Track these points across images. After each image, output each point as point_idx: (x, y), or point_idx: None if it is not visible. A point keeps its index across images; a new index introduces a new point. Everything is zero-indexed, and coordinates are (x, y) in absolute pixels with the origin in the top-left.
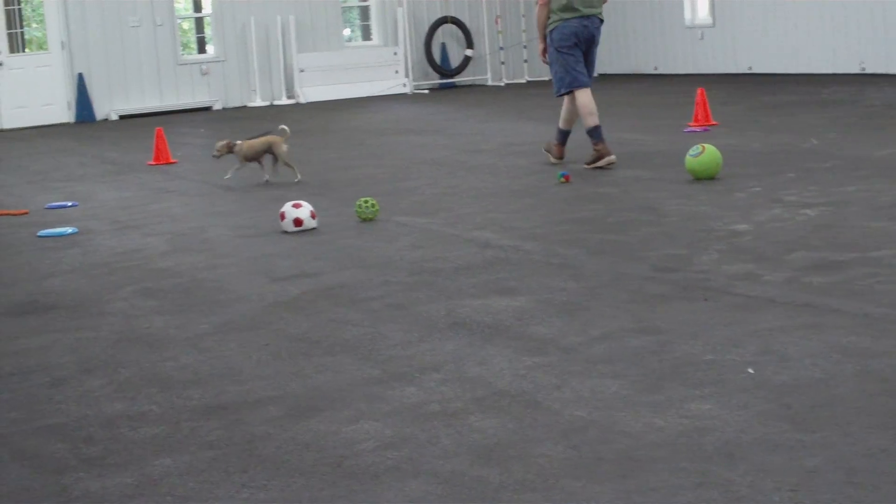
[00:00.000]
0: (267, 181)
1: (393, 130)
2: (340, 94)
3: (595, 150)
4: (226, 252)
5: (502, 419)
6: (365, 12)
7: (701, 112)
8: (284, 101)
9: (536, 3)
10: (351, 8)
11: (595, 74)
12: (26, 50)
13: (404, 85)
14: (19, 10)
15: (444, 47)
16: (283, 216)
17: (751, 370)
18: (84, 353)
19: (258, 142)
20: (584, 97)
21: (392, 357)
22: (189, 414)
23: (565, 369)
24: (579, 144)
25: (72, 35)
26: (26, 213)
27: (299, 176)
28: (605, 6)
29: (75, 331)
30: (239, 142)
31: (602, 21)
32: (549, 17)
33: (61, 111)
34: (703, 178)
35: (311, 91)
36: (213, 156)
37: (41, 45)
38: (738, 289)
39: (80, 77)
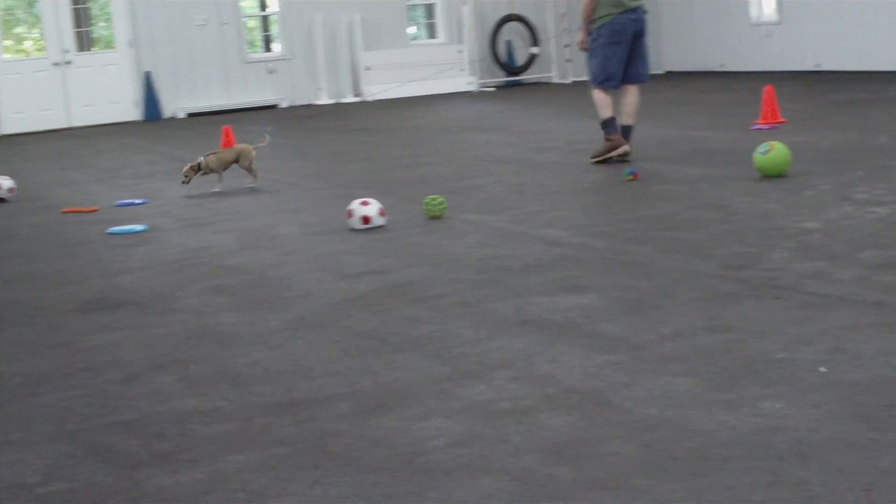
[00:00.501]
0: (218, 192)
1: (459, 128)
2: (406, 92)
3: (607, 140)
4: (294, 249)
5: (573, 417)
6: (430, 10)
7: (769, 109)
8: (350, 98)
9: None
10: (416, 6)
11: (662, 71)
12: (93, 48)
13: (469, 83)
14: (87, 8)
15: (509, 45)
16: (350, 214)
17: (823, 369)
18: (155, 349)
19: (228, 150)
20: (600, 92)
21: (462, 354)
22: (260, 410)
23: (636, 367)
24: (647, 140)
25: (139, 33)
26: (96, 211)
27: (256, 183)
28: (669, 2)
29: (146, 327)
30: (202, 158)
31: (646, 12)
32: (594, 10)
33: (129, 109)
34: (772, 175)
35: (377, 89)
36: (183, 182)
37: (108, 44)
38: (808, 287)
39: (148, 75)
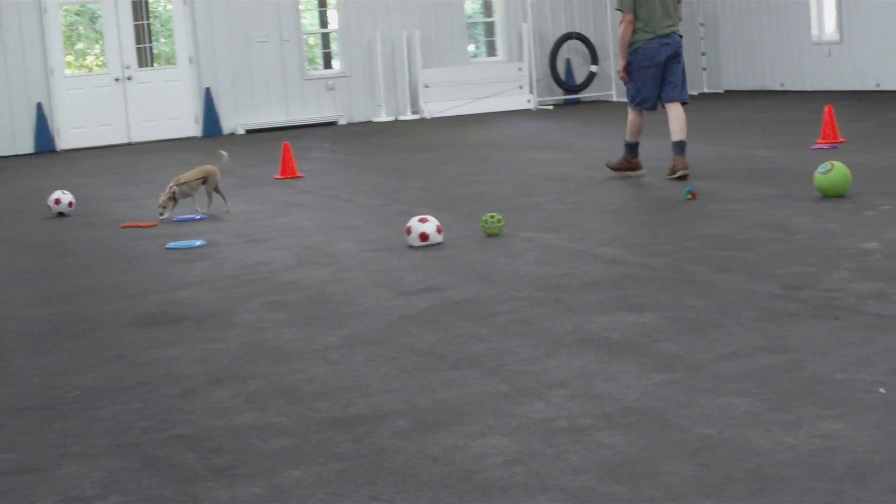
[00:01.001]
0: (201, 212)
1: (517, 146)
2: (464, 110)
3: (625, 160)
4: (352, 266)
5: (630, 436)
6: (490, 28)
7: (829, 129)
8: (409, 116)
9: (621, 21)
10: (476, 24)
11: (721, 90)
12: (154, 64)
13: (528, 101)
14: (148, 24)
15: (568, 63)
16: (409, 231)
17: (882, 390)
18: (213, 364)
19: (193, 172)
20: (633, 115)
21: (519, 372)
22: (317, 426)
23: (694, 386)
24: (706, 159)
25: (200, 50)
26: (155, 226)
27: (228, 205)
28: (730, 21)
29: (204, 342)
30: (175, 188)
31: (681, 36)
32: (633, 35)
33: (189, 125)
34: (832, 195)
35: (436, 106)
36: (160, 214)
37: (169, 60)
38: (868, 307)
39: (208, 91)
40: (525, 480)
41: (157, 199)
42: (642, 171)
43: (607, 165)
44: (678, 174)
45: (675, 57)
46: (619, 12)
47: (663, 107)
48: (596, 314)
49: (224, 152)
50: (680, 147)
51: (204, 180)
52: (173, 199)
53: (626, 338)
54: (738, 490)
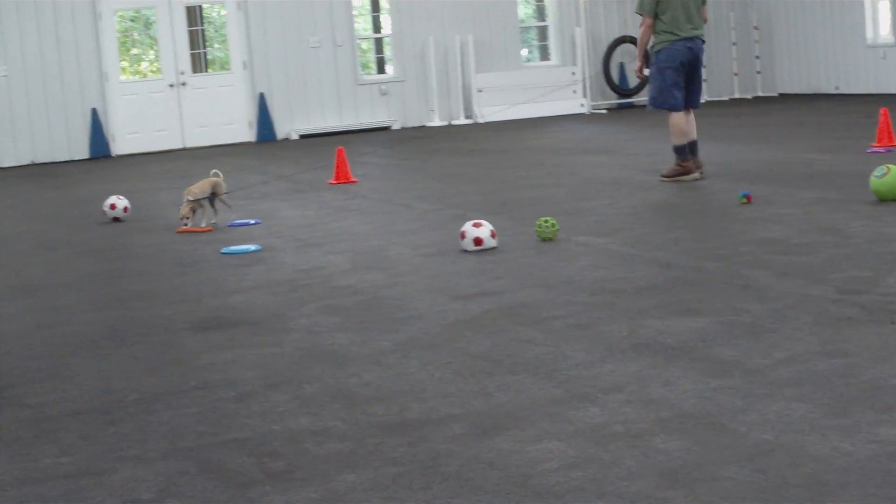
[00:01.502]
0: (214, 224)
1: (571, 150)
2: (518, 114)
3: (679, 166)
4: (407, 270)
5: (687, 441)
6: (543, 32)
7: (885, 132)
8: (462, 120)
9: (641, 24)
10: (529, 28)
11: (776, 93)
12: (209, 70)
13: (582, 105)
14: (202, 30)
15: (622, 66)
16: (463, 235)
17: None
18: (268, 368)
19: (204, 183)
20: (676, 118)
21: (574, 377)
22: (373, 430)
23: (750, 391)
24: (761, 163)
25: (253, 55)
26: (210, 231)
27: (231, 213)
28: (783, 25)
29: (259, 346)
30: (189, 198)
31: (704, 42)
32: (652, 38)
33: (243, 130)
34: (889, 199)
35: (489, 111)
36: (185, 223)
37: (223, 65)
38: None
39: (262, 96)
40: (581, 485)
41: (179, 211)
42: (697, 174)
43: (662, 177)
44: (693, 177)
45: (698, 62)
46: (640, 15)
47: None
48: (651, 318)
49: (217, 171)
50: (693, 147)
51: (214, 192)
52: (193, 210)
53: (682, 342)
54: (795, 496)
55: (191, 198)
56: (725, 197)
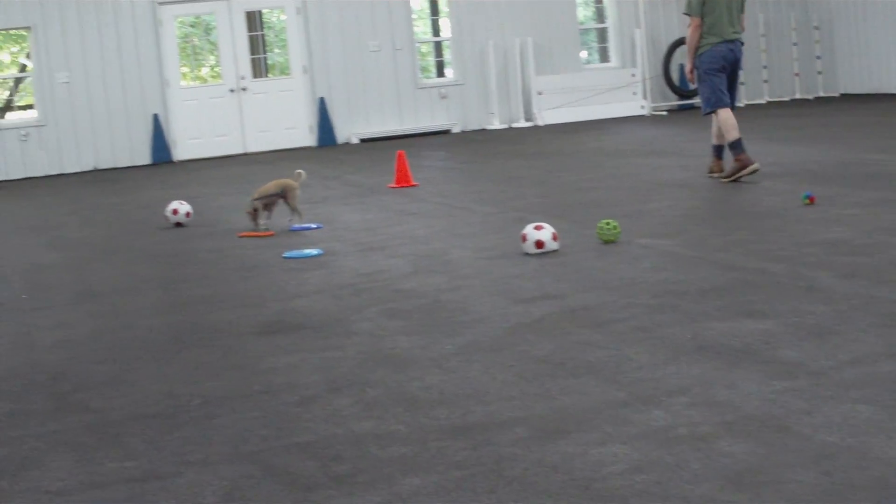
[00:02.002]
0: (265, 227)
1: (631, 152)
2: (578, 117)
3: (736, 161)
4: (468, 273)
5: (751, 444)
6: (602, 34)
7: None
8: (522, 123)
9: (689, 25)
10: (589, 30)
11: (837, 94)
12: (269, 75)
13: (642, 106)
14: (262, 35)
15: (682, 68)
16: (524, 238)
17: None
18: (331, 372)
19: (270, 185)
20: (726, 114)
21: (638, 380)
22: (436, 434)
23: (816, 394)
24: (824, 164)
25: (313, 59)
26: (272, 235)
27: (301, 221)
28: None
29: (322, 350)
30: (256, 202)
31: (743, 44)
32: (701, 39)
33: (303, 135)
34: None
35: (549, 113)
36: (258, 226)
37: (283, 70)
38: None
39: (322, 101)
40: (645, 489)
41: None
42: (756, 165)
43: (722, 178)
44: (715, 175)
45: (737, 64)
46: (687, 16)
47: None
48: (715, 321)
49: (301, 171)
50: (720, 151)
51: (282, 195)
52: (256, 211)
53: (746, 344)
54: (861, 499)
55: (255, 197)
56: (788, 198)
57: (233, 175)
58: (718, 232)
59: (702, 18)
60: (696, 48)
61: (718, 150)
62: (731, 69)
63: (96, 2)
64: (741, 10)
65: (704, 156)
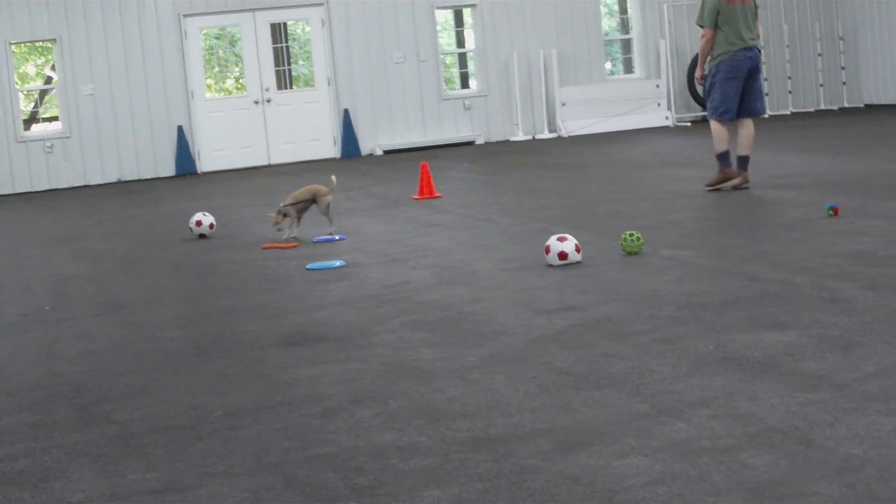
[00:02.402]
0: (293, 238)
1: (656, 163)
2: (602, 128)
3: (722, 173)
4: (491, 285)
5: (774, 456)
6: (627, 45)
7: None
8: (546, 134)
9: (702, 36)
10: (613, 41)
11: (861, 104)
12: (293, 86)
13: (666, 117)
14: (287, 47)
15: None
16: (547, 250)
17: None
18: (353, 383)
19: (303, 190)
20: (719, 126)
21: (660, 392)
22: (458, 446)
23: (839, 406)
24: (848, 174)
25: (338, 71)
26: (295, 246)
27: (333, 227)
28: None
29: (344, 362)
30: (288, 206)
31: (761, 50)
32: (713, 48)
33: (327, 146)
34: None
35: (573, 124)
36: (278, 229)
37: (308, 82)
38: None
39: (346, 112)
40: (667, 501)
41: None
42: (738, 179)
43: (707, 186)
44: (741, 186)
45: (757, 70)
46: (700, 27)
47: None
48: (738, 332)
49: (334, 177)
50: (744, 162)
51: (313, 200)
52: (285, 215)
53: (769, 356)
54: None
55: (287, 203)
56: (812, 209)
57: (257, 186)
58: (742, 243)
59: (716, 29)
60: (706, 57)
61: (744, 162)
62: (750, 76)
63: (121, 14)
64: (755, 16)
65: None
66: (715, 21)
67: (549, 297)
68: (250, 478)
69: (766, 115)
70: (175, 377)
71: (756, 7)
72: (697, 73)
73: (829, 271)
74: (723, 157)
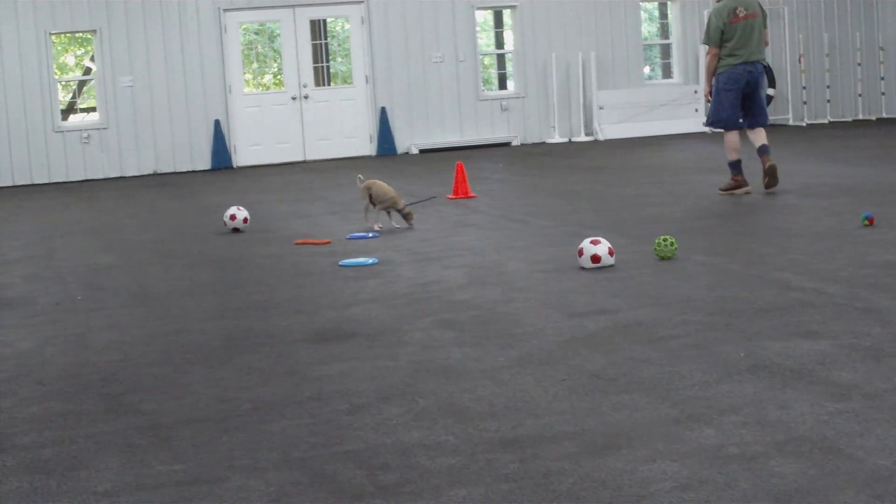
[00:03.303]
0: (379, 229)
1: (691, 169)
2: (639, 132)
3: (733, 179)
4: (523, 286)
5: (803, 465)
6: (666, 50)
7: None
8: (583, 137)
9: (707, 53)
10: (652, 45)
11: (875, 118)
12: (331, 83)
13: (704, 123)
14: (326, 44)
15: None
16: (580, 252)
17: None
18: (383, 381)
19: (391, 192)
20: (730, 136)
21: (690, 397)
22: (485, 446)
23: (869, 416)
24: (883, 185)
25: (376, 69)
26: (328, 243)
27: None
28: None
29: (374, 359)
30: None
31: (764, 66)
32: (720, 61)
33: (363, 144)
34: None
35: (610, 128)
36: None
37: (346, 79)
38: None
39: (383, 111)
40: None
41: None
42: (748, 188)
43: (721, 190)
44: (767, 167)
45: (757, 84)
46: (706, 45)
47: (746, 131)
48: (769, 340)
49: (361, 177)
50: (765, 149)
51: (393, 206)
52: (372, 202)
53: (800, 365)
54: None
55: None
56: (847, 219)
57: (292, 182)
58: (775, 251)
59: (721, 45)
60: (713, 74)
61: (765, 149)
62: (749, 90)
63: (161, 7)
64: (763, 26)
65: (759, 174)
66: (720, 39)
67: (581, 299)
68: (276, 472)
69: (802, 125)
70: (204, 370)
71: (765, 16)
72: (705, 89)
73: (863, 281)
74: (734, 166)
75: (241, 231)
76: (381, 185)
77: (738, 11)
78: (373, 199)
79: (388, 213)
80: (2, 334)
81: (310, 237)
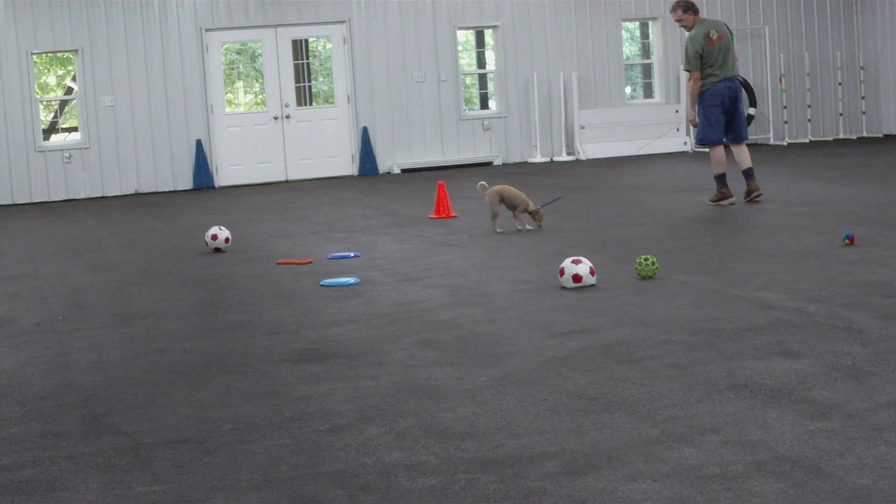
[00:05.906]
0: (499, 231)
1: (673, 188)
2: (620, 152)
3: (719, 192)
4: (505, 306)
5: (783, 484)
6: (647, 70)
7: None
8: (564, 157)
9: (689, 79)
10: (634, 65)
11: (880, 134)
12: (313, 103)
13: (685, 143)
14: (307, 64)
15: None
16: (562, 272)
17: None
18: (364, 401)
19: (521, 195)
20: (717, 151)
21: (671, 417)
22: (466, 466)
23: (849, 435)
24: (864, 204)
25: (358, 89)
26: (310, 263)
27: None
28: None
29: (355, 379)
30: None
31: (741, 80)
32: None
33: (345, 164)
34: None
35: (591, 148)
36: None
37: (327, 99)
38: None
39: (365, 130)
40: None
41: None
42: (733, 199)
43: (710, 201)
44: (753, 196)
45: (737, 98)
46: (688, 72)
47: (728, 147)
48: (750, 359)
49: (484, 184)
50: (750, 173)
51: (515, 205)
52: (506, 207)
53: (781, 384)
54: None
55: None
56: (828, 238)
57: (274, 202)
58: (757, 270)
59: (701, 69)
60: (696, 98)
61: (750, 173)
62: (730, 105)
63: (143, 27)
64: (731, 45)
65: (743, 187)
66: (700, 64)
67: (563, 319)
68: (257, 493)
69: (783, 144)
70: (185, 390)
71: (732, 35)
72: (690, 115)
73: (844, 300)
74: (719, 179)
75: (223, 251)
76: (511, 189)
77: (710, 35)
78: (507, 204)
79: (515, 215)
80: None
81: (291, 257)
